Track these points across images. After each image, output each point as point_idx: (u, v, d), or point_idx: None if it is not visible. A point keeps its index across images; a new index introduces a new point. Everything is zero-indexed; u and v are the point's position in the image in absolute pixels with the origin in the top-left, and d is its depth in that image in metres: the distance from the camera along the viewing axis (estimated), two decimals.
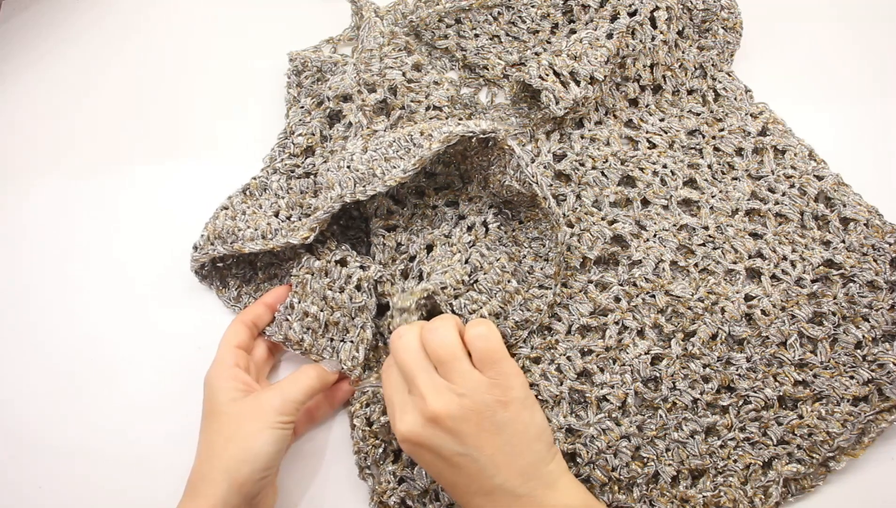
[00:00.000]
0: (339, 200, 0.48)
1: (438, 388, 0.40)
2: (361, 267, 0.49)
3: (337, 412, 0.51)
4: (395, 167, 0.47)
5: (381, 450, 0.47)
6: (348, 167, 0.48)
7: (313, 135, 0.54)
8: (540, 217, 0.52)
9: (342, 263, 0.49)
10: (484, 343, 0.42)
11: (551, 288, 0.51)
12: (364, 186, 0.47)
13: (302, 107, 0.56)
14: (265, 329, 0.50)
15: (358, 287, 0.48)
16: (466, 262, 0.50)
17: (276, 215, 0.52)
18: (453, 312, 0.47)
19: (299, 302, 0.49)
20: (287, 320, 0.49)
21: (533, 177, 0.48)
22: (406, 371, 0.41)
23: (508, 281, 0.50)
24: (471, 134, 0.47)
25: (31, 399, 0.52)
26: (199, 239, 0.52)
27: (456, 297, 0.48)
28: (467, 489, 0.39)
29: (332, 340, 0.48)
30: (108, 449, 0.50)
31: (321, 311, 0.48)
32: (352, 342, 0.48)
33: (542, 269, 0.51)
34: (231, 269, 0.54)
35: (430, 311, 0.48)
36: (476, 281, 0.49)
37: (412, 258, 0.52)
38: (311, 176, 0.53)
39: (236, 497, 0.41)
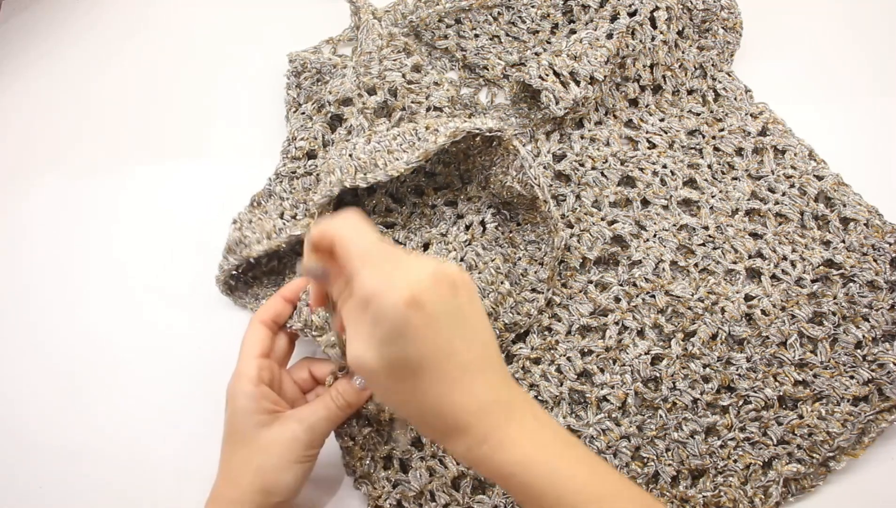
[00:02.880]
0: (339, 184, 0.47)
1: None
2: None
3: None
4: (397, 159, 0.47)
5: (368, 460, 0.47)
6: (350, 155, 0.48)
7: (315, 139, 0.53)
8: (538, 220, 0.52)
9: None
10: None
11: (543, 292, 0.51)
12: (365, 174, 0.47)
13: (303, 113, 0.56)
14: (289, 321, 0.48)
15: None
16: (462, 260, 0.50)
17: (282, 215, 0.52)
18: None
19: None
20: (300, 307, 0.47)
21: (535, 179, 0.48)
22: (382, 249, 0.35)
23: (502, 282, 0.50)
24: (477, 131, 0.47)
25: (31, 399, 0.52)
26: (221, 260, 0.52)
27: None
28: (467, 363, 0.35)
29: None
30: (109, 449, 0.50)
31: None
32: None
33: (535, 273, 0.51)
34: (262, 281, 0.54)
35: None
36: None
37: None
38: (314, 175, 0.53)
39: None
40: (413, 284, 0.33)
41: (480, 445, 0.35)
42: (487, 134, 0.47)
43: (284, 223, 0.50)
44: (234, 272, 0.53)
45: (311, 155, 0.54)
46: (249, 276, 0.54)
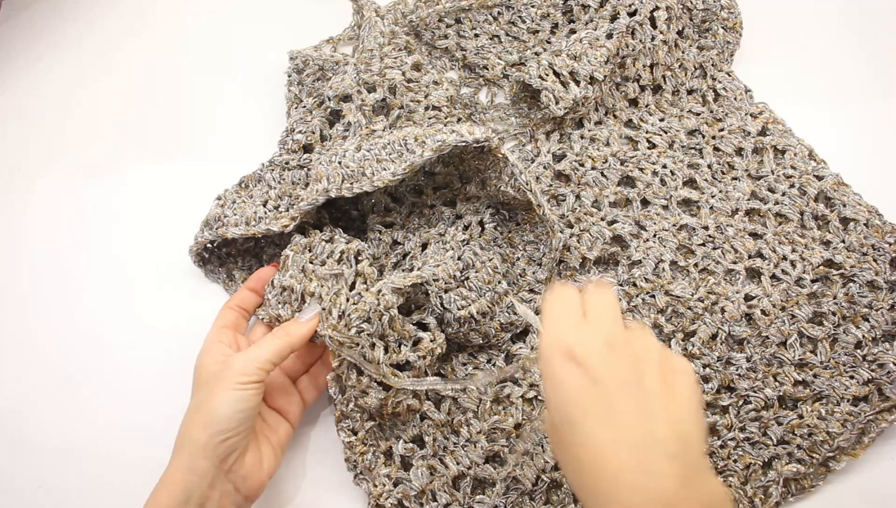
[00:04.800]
0: (325, 193, 0.47)
1: (635, 331, 0.37)
2: (346, 242, 0.49)
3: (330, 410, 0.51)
4: (384, 169, 0.47)
5: (369, 455, 0.47)
6: (339, 163, 0.48)
7: (313, 133, 0.54)
8: (536, 221, 0.52)
9: (329, 240, 0.49)
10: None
11: (541, 293, 0.51)
12: (351, 184, 0.47)
13: (304, 106, 0.56)
14: (257, 311, 0.50)
15: (339, 260, 0.48)
16: (459, 259, 0.50)
17: (265, 204, 0.52)
18: (442, 306, 0.47)
19: (279, 279, 0.48)
20: (268, 298, 0.49)
21: (527, 185, 0.47)
22: (596, 307, 0.37)
23: (499, 282, 0.50)
24: (463, 143, 0.47)
25: (31, 399, 0.52)
26: (197, 232, 0.53)
27: (446, 291, 0.48)
28: (623, 433, 0.34)
29: None
30: (108, 449, 0.50)
31: (298, 283, 0.47)
32: (323, 308, 0.46)
33: (534, 273, 0.51)
34: (237, 261, 0.54)
35: (409, 302, 0.48)
36: (467, 278, 0.49)
37: (405, 255, 0.52)
38: (305, 169, 0.53)
39: (202, 461, 0.41)
40: (578, 342, 0.35)
41: None
42: (474, 144, 0.47)
43: (266, 213, 0.51)
44: (208, 246, 0.53)
45: (307, 149, 0.54)
46: (224, 252, 0.54)
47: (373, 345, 0.45)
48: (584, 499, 0.35)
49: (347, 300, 0.45)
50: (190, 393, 0.47)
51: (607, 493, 0.33)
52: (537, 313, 0.50)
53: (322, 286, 0.46)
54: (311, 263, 0.47)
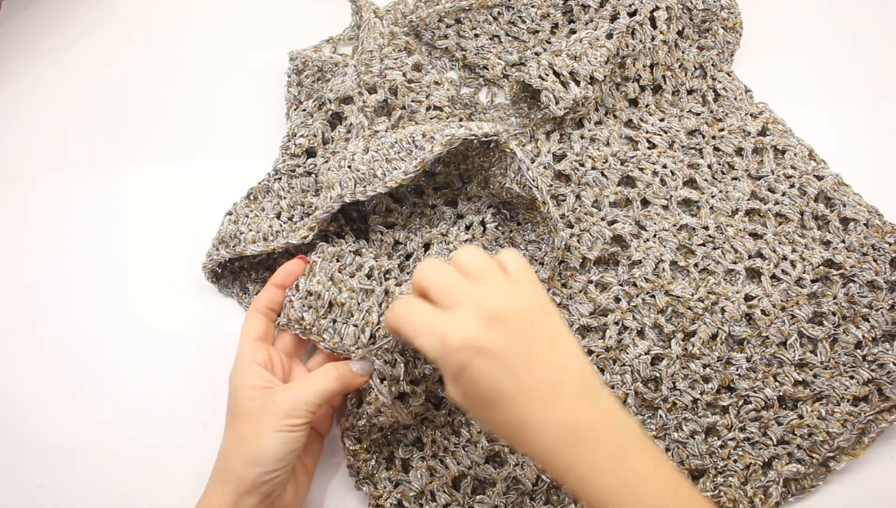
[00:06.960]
0: (339, 200, 0.48)
1: (489, 291, 0.38)
2: (375, 258, 0.49)
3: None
4: (396, 169, 0.47)
5: (372, 462, 0.47)
6: (349, 167, 0.48)
7: (315, 136, 0.54)
8: (538, 220, 0.52)
9: (357, 253, 0.49)
10: (518, 261, 0.39)
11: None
12: (364, 187, 0.47)
13: (304, 110, 0.56)
14: (278, 318, 0.49)
15: (368, 275, 0.48)
16: None
17: (278, 216, 0.52)
18: None
19: (305, 283, 0.48)
20: (290, 300, 0.48)
21: (534, 181, 0.48)
22: (443, 289, 0.38)
23: None
24: (473, 137, 0.47)
25: (31, 399, 0.52)
26: (210, 247, 0.52)
27: None
28: (534, 392, 0.36)
29: (334, 321, 0.47)
30: (108, 449, 0.50)
31: (326, 290, 0.47)
32: (355, 325, 0.46)
33: (536, 272, 0.51)
34: (251, 274, 0.54)
35: None
36: None
37: (409, 256, 0.52)
38: (313, 175, 0.53)
39: (248, 497, 0.42)
40: (463, 337, 0.36)
41: (564, 475, 0.36)
42: (483, 139, 0.47)
43: (281, 225, 0.50)
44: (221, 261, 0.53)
45: (310, 153, 0.54)
46: (236, 265, 0.54)
47: (394, 363, 0.44)
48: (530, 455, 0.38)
49: (378, 322, 0.46)
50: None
51: (542, 443, 0.36)
52: None
53: (352, 299, 0.46)
54: (340, 272, 0.48)
